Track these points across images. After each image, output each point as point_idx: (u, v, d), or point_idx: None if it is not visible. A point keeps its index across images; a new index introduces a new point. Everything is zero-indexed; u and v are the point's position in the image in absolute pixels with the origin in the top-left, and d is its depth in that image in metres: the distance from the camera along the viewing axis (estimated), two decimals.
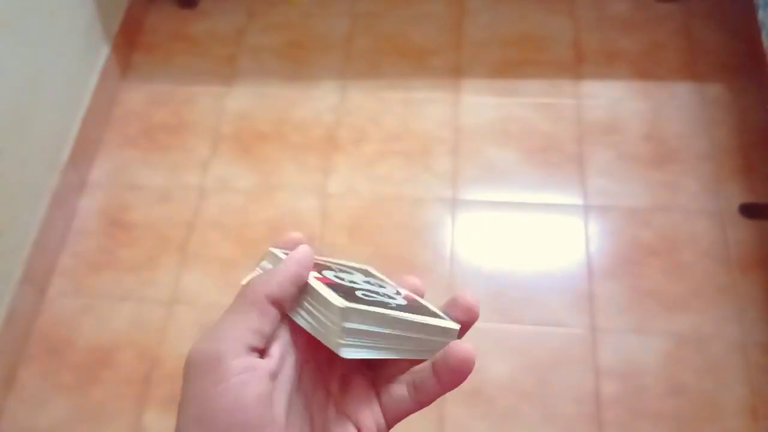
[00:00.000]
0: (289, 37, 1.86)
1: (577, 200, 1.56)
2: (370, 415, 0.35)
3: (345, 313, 0.33)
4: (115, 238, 1.57)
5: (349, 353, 0.33)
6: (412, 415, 1.22)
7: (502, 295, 1.45)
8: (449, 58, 1.79)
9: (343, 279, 0.37)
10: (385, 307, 0.34)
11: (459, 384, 0.34)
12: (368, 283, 0.38)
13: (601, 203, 1.55)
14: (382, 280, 0.41)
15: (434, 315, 0.37)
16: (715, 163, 1.59)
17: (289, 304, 0.35)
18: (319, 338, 0.34)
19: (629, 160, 1.60)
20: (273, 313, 0.34)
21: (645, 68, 1.74)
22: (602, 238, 1.51)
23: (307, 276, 0.35)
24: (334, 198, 1.59)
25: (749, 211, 1.51)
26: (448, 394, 1.35)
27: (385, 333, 0.34)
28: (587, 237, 1.51)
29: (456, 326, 0.37)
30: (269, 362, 0.33)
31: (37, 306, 1.47)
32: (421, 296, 0.40)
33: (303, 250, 0.36)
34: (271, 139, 1.68)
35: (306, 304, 0.35)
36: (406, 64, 1.79)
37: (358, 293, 0.35)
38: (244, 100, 1.75)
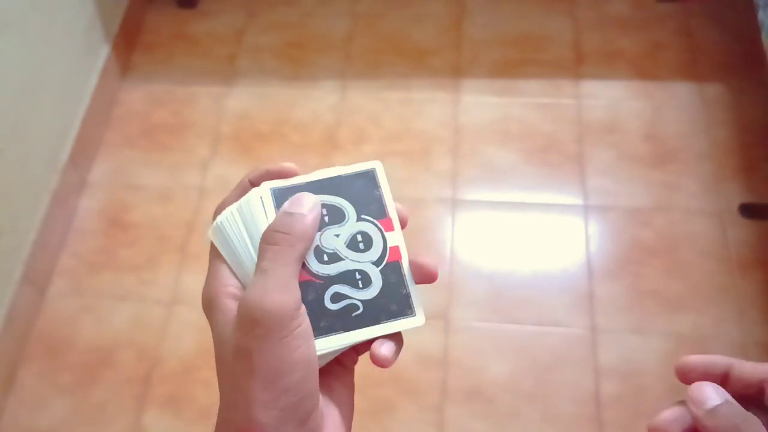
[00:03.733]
0: (289, 37, 1.86)
1: (577, 200, 1.56)
2: (348, 355, 0.39)
3: None
4: (115, 238, 1.57)
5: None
6: (411, 416, 1.22)
7: (502, 295, 1.45)
8: (449, 58, 1.79)
9: (324, 256, 0.38)
10: (349, 325, 0.37)
11: None
12: (355, 242, 0.39)
13: (601, 203, 1.55)
14: (379, 209, 0.40)
15: (400, 310, 0.38)
16: (715, 163, 1.59)
17: None
18: None
19: (629, 160, 1.60)
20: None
21: (645, 68, 1.74)
22: (602, 238, 1.51)
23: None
24: None
25: (749, 211, 1.51)
26: (447, 395, 1.33)
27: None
28: (587, 237, 1.51)
29: (417, 323, 0.39)
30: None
31: (37, 306, 1.47)
32: (405, 222, 0.40)
33: (312, 217, 0.38)
34: (271, 139, 1.68)
35: None
36: (406, 64, 1.79)
37: (328, 296, 0.37)
38: (244, 100, 1.75)
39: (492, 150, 1.64)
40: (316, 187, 0.39)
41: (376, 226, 0.39)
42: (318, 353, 0.35)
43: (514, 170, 1.61)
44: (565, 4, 1.86)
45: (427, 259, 0.39)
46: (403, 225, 0.40)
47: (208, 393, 1.37)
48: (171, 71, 1.81)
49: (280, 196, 0.38)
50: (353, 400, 0.39)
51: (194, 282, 1.50)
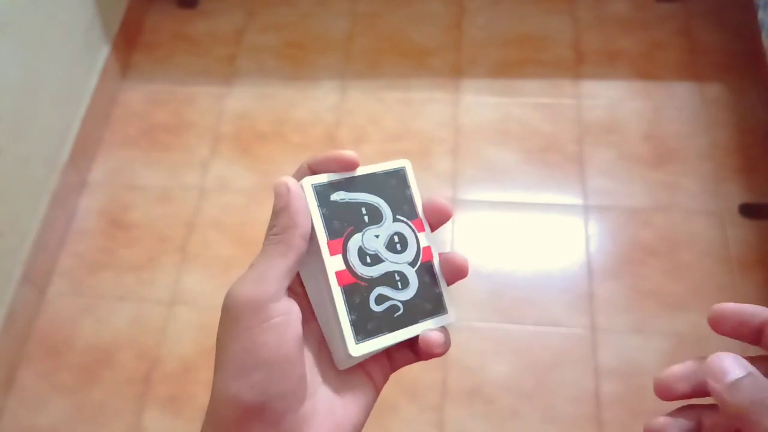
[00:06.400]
0: (289, 37, 1.86)
1: (577, 200, 1.56)
2: (380, 369, 0.39)
3: (353, 359, 0.37)
4: (115, 238, 1.57)
5: (348, 366, 0.38)
6: (411, 416, 1.23)
7: (502, 295, 1.45)
8: (449, 58, 1.79)
9: (367, 258, 0.38)
10: (393, 326, 0.38)
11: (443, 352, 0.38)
12: (393, 243, 0.39)
13: (601, 203, 1.55)
14: (411, 210, 0.40)
15: (434, 309, 0.39)
16: (715, 163, 1.59)
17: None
18: (324, 334, 0.38)
19: (629, 160, 1.60)
20: (304, 253, 0.36)
21: (645, 68, 1.74)
22: (602, 238, 1.51)
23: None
24: None
25: (749, 211, 1.51)
26: (447, 395, 1.34)
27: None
28: (587, 237, 1.51)
29: (449, 320, 0.40)
30: (296, 304, 0.36)
31: (37, 306, 1.48)
32: (448, 218, 0.41)
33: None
34: (270, 139, 1.68)
35: (321, 294, 0.37)
36: (406, 64, 1.79)
37: (373, 299, 0.38)
38: (244, 100, 1.75)
39: (492, 150, 1.64)
40: (355, 183, 0.39)
41: (409, 227, 0.40)
42: (364, 353, 0.36)
43: (514, 170, 1.61)
44: (565, 4, 1.86)
45: (456, 254, 0.40)
46: (446, 218, 0.41)
47: (208, 393, 1.37)
48: (171, 71, 1.81)
49: (322, 193, 0.38)
50: (364, 420, 0.38)
51: (194, 282, 1.50)
